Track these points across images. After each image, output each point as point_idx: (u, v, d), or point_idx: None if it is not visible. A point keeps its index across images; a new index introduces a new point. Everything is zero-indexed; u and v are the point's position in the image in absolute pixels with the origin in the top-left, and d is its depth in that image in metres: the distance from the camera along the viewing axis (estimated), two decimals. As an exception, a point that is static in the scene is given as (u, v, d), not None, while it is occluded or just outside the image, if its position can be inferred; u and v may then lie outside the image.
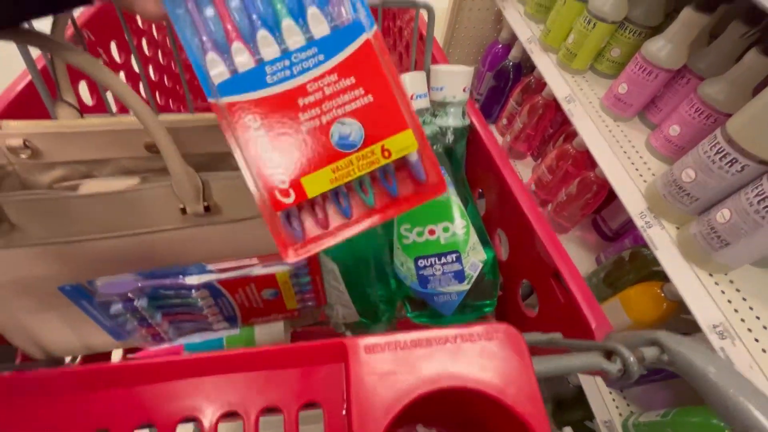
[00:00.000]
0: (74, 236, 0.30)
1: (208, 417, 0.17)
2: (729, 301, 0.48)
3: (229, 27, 0.20)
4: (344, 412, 0.18)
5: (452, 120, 0.41)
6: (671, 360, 0.23)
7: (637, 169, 0.60)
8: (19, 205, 0.27)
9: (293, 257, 0.21)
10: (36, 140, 0.33)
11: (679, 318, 0.60)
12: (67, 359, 0.43)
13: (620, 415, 0.68)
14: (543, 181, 0.90)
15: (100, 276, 0.33)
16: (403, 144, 0.20)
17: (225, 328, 0.40)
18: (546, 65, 0.77)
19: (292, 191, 0.20)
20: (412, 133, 0.21)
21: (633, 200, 0.57)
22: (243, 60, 0.20)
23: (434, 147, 0.38)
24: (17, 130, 0.32)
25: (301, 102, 0.20)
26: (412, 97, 0.36)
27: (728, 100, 0.51)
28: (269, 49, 0.20)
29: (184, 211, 0.30)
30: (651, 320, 0.63)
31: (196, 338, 0.40)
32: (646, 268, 0.68)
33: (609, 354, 0.24)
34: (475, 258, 0.37)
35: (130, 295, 0.34)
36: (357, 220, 0.21)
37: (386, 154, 0.21)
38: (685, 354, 0.22)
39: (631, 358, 0.22)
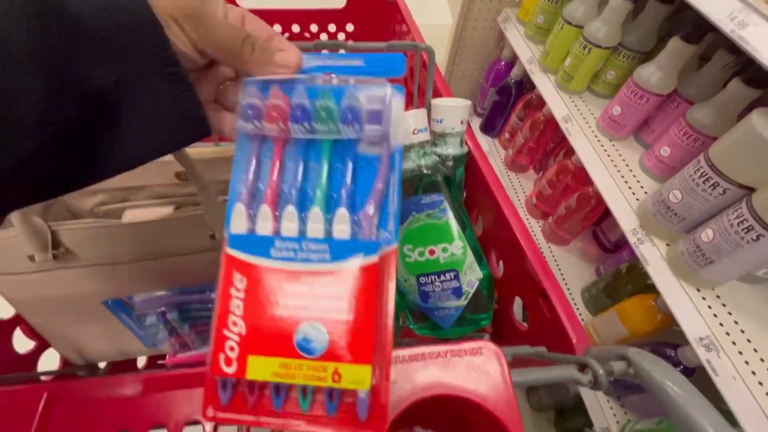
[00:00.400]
0: (119, 259, 0.34)
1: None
2: (715, 315, 0.51)
3: (268, 192, 0.22)
4: (353, 414, 0.22)
5: (451, 149, 0.45)
6: (636, 373, 0.26)
7: (630, 188, 0.63)
8: (74, 233, 0.32)
9: (210, 416, 0.20)
10: (83, 171, 0.38)
11: (672, 330, 0.62)
12: (101, 364, 0.47)
13: (617, 422, 0.70)
14: (544, 194, 0.94)
15: (138, 292, 0.37)
16: (357, 377, 0.20)
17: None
18: (545, 85, 0.80)
19: (235, 363, 0.20)
20: (370, 371, 0.20)
21: (626, 217, 0.60)
22: (263, 226, 0.22)
23: (434, 176, 0.42)
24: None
25: (288, 287, 0.20)
26: (414, 132, 0.40)
27: (715, 125, 0.54)
28: (289, 226, 0.21)
29: (213, 236, 0.34)
30: (645, 332, 0.66)
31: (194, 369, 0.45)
32: (641, 281, 0.71)
33: (583, 367, 0.27)
34: (471, 276, 0.41)
35: (163, 308, 0.38)
36: (284, 415, 0.21)
37: (336, 378, 0.20)
38: (647, 368, 0.25)
39: (601, 371, 0.26)
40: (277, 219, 0.22)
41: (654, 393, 0.25)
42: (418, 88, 0.48)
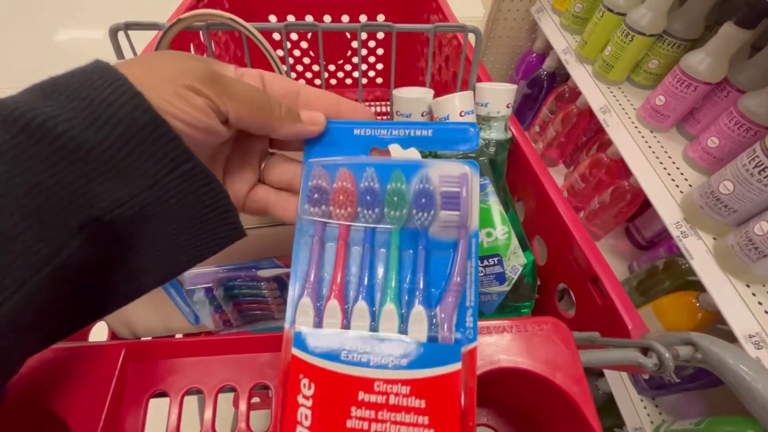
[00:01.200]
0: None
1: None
2: (766, 312, 0.49)
3: (335, 283, 0.20)
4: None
5: (495, 133, 0.44)
6: (704, 358, 0.25)
7: (673, 180, 0.61)
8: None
9: None
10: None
11: (714, 328, 0.60)
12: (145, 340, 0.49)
13: (651, 422, 0.68)
14: (575, 188, 0.91)
15: (187, 267, 0.38)
16: None
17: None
18: (581, 76, 0.78)
19: None
20: None
21: (668, 210, 0.58)
22: (331, 323, 0.20)
23: (479, 158, 0.41)
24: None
25: (361, 396, 0.18)
26: (461, 114, 0.40)
27: (769, 113, 0.52)
28: (360, 324, 0.20)
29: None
30: (685, 330, 0.64)
31: (260, 326, 0.45)
32: (680, 278, 0.68)
33: (645, 350, 0.26)
34: (515, 262, 0.40)
35: (210, 284, 0.39)
36: None
37: None
38: (717, 352, 0.24)
39: (667, 354, 0.25)
40: (345, 314, 0.20)
41: (725, 378, 0.24)
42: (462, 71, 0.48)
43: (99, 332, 0.44)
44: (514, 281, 0.41)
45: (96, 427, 0.19)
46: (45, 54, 1.58)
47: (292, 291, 0.20)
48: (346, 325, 0.20)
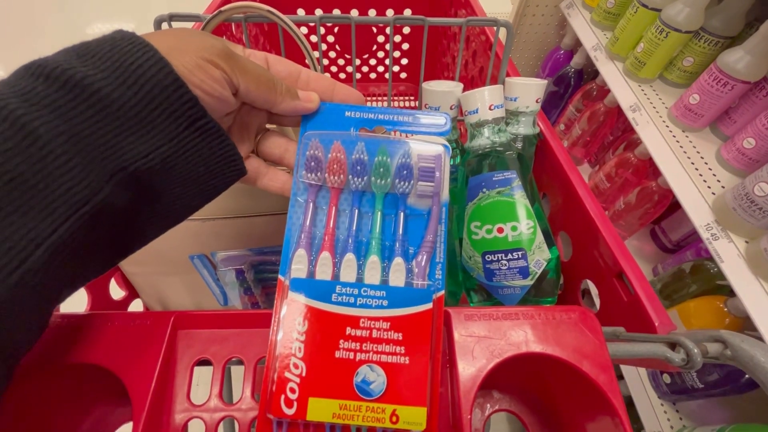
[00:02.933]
0: (208, 215, 0.37)
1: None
2: (799, 319, 0.47)
3: (326, 238, 0.24)
4: (447, 366, 0.23)
5: (523, 128, 0.44)
6: (734, 355, 0.25)
7: (705, 181, 0.60)
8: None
9: None
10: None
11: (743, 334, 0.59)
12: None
13: (672, 427, 0.67)
14: (600, 188, 0.90)
15: (221, 249, 0.40)
16: (413, 418, 0.21)
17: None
18: (611, 73, 0.77)
19: (295, 405, 0.20)
20: (425, 412, 0.20)
21: (699, 212, 0.57)
22: (324, 271, 0.23)
23: (507, 153, 0.41)
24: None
25: (348, 330, 0.22)
26: (490, 107, 0.40)
27: (811, 114, 0.50)
28: (348, 272, 0.23)
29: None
30: (711, 334, 0.63)
31: None
32: (708, 282, 0.67)
33: (673, 346, 0.27)
34: (540, 256, 0.41)
35: (242, 267, 0.41)
36: None
37: (394, 419, 0.21)
38: (747, 350, 0.24)
39: (695, 350, 0.25)
40: (335, 265, 0.23)
41: (756, 376, 0.24)
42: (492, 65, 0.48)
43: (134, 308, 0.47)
44: (537, 276, 0.41)
45: (149, 386, 0.20)
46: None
47: (287, 245, 0.23)
48: (336, 274, 0.23)
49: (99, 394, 0.25)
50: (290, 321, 0.22)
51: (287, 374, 0.21)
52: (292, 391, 0.21)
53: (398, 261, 0.23)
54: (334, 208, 0.24)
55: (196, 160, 0.21)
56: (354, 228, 0.24)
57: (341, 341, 0.21)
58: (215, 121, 0.20)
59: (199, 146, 0.20)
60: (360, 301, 0.22)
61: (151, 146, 0.19)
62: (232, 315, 0.23)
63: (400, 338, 0.21)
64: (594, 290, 0.42)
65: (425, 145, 0.25)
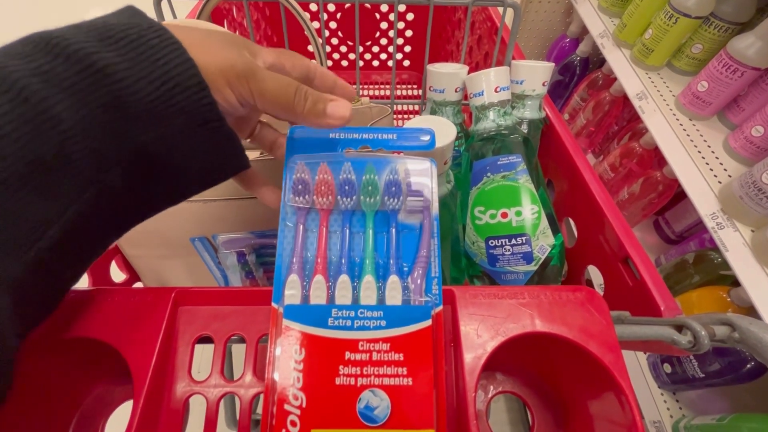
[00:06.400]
0: (209, 196, 0.36)
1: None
2: (804, 308, 0.47)
3: (319, 260, 0.23)
4: (452, 344, 0.23)
5: (529, 112, 0.44)
6: (742, 338, 0.25)
7: (711, 170, 0.59)
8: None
9: None
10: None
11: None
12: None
13: (671, 417, 0.68)
14: (604, 178, 0.89)
15: (222, 231, 0.40)
16: None
17: (312, 287, 0.46)
18: (618, 61, 0.76)
19: None
20: None
21: (704, 201, 0.56)
22: (318, 295, 0.22)
23: (512, 136, 0.41)
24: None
25: (347, 355, 0.21)
26: (496, 90, 0.39)
27: (823, 101, 0.49)
28: (343, 295, 0.22)
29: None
30: (713, 324, 0.62)
31: None
32: (711, 272, 0.66)
33: (679, 328, 0.26)
34: (544, 242, 0.40)
35: (243, 250, 0.41)
36: None
37: None
38: (756, 332, 0.24)
39: (703, 332, 0.24)
40: (329, 288, 0.23)
41: (765, 358, 0.24)
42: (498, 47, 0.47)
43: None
44: (541, 261, 0.41)
45: (149, 361, 0.20)
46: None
47: (278, 271, 0.23)
48: (331, 297, 0.22)
49: (100, 372, 0.25)
50: (287, 350, 0.21)
51: (287, 407, 0.20)
52: (293, 424, 0.20)
53: (393, 279, 0.23)
54: (324, 229, 0.24)
55: (202, 155, 0.21)
56: (346, 248, 0.23)
57: (341, 367, 0.21)
58: (228, 125, 0.21)
59: (208, 143, 0.21)
60: (357, 323, 0.21)
61: (161, 135, 0.19)
62: (234, 291, 0.23)
63: (402, 358, 0.21)
64: (598, 279, 0.42)
65: (412, 161, 0.25)
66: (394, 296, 0.22)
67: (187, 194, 0.23)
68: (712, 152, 0.61)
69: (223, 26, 0.65)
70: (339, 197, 0.24)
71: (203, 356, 0.27)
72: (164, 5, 0.39)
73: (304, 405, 0.20)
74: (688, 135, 0.63)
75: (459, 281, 0.47)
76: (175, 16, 0.40)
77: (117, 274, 0.44)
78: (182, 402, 0.21)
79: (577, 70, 1.00)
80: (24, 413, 0.21)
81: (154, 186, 0.21)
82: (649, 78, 0.72)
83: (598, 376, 0.22)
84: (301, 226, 0.24)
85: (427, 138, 0.25)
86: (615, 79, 0.80)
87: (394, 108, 0.48)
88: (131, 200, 0.21)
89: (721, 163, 0.60)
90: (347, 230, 0.24)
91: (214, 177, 0.23)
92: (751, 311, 0.51)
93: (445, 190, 0.37)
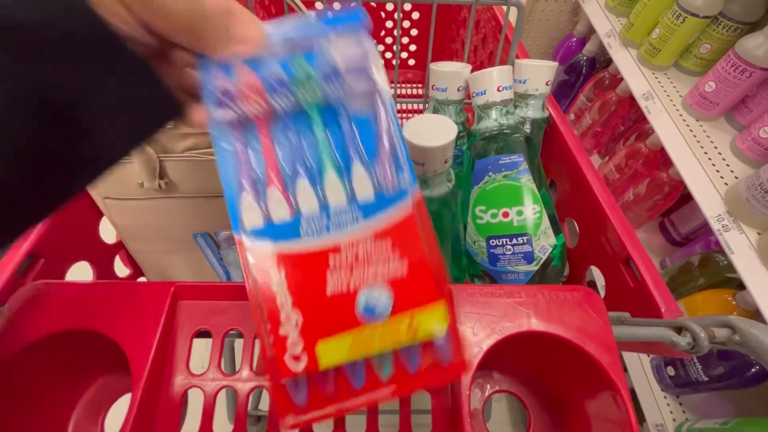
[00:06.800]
0: (211, 192, 0.37)
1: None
2: (810, 312, 0.46)
3: (270, 173, 0.20)
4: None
5: (532, 111, 0.43)
6: (743, 340, 0.24)
7: (717, 171, 0.58)
8: (178, 164, 0.35)
9: (290, 424, 0.19)
10: (179, 114, 0.40)
11: (751, 328, 0.58)
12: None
13: (674, 420, 0.67)
14: (609, 179, 0.89)
15: (224, 228, 0.40)
16: (433, 318, 0.19)
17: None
18: (625, 60, 0.75)
19: (304, 357, 0.18)
20: (444, 303, 0.19)
21: (710, 203, 0.56)
22: (279, 210, 0.20)
23: (514, 135, 0.40)
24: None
25: (331, 261, 0.19)
26: (498, 89, 0.39)
27: (832, 102, 0.48)
28: (308, 202, 0.20)
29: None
30: (718, 328, 0.62)
31: None
32: (717, 275, 0.66)
33: (679, 330, 0.26)
34: (545, 242, 0.40)
35: (245, 246, 0.41)
36: (365, 390, 0.19)
37: (412, 331, 0.19)
38: (757, 335, 0.24)
39: (702, 334, 0.24)
40: (291, 198, 0.20)
41: (766, 361, 0.24)
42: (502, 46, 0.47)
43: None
44: (542, 261, 0.40)
45: (148, 354, 0.20)
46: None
47: (230, 199, 0.20)
48: (295, 209, 0.20)
49: (100, 364, 0.25)
50: (264, 277, 0.19)
51: (283, 330, 0.18)
52: (295, 344, 0.18)
53: (358, 170, 0.20)
54: (266, 139, 0.20)
55: (121, 96, 0.18)
56: (298, 154, 0.20)
57: (328, 275, 0.19)
58: (133, 50, 0.18)
59: (122, 81, 0.18)
60: (333, 226, 0.19)
61: (70, 79, 0.17)
62: (232, 287, 0.23)
63: (389, 248, 0.19)
64: (600, 281, 0.42)
65: (344, 42, 0.20)
66: (364, 187, 0.20)
67: (121, 153, 0.20)
68: (719, 153, 0.60)
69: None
70: (272, 97, 0.20)
71: (206, 350, 0.27)
72: None
73: (300, 322, 0.18)
74: (694, 136, 0.63)
75: (460, 280, 0.47)
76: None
77: (121, 269, 0.44)
78: (180, 395, 0.21)
79: (584, 70, 0.99)
80: (25, 404, 0.22)
81: (80, 143, 0.18)
82: (656, 78, 0.71)
83: (594, 375, 0.22)
84: (239, 144, 0.20)
85: (360, 17, 0.21)
86: (621, 79, 0.80)
87: (397, 107, 0.48)
88: (60, 162, 0.18)
89: (727, 165, 0.59)
90: (293, 134, 0.20)
91: (145, 126, 0.20)
92: (756, 315, 0.51)
93: (446, 189, 0.37)
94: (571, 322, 0.22)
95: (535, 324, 0.22)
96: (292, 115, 0.20)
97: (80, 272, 0.38)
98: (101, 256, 0.40)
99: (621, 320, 0.30)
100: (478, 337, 0.22)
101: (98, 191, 0.36)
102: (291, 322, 0.18)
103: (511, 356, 0.26)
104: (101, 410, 0.25)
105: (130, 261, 0.44)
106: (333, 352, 0.19)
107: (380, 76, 0.20)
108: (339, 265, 0.19)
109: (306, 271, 0.19)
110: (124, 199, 0.36)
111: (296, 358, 0.18)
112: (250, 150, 0.20)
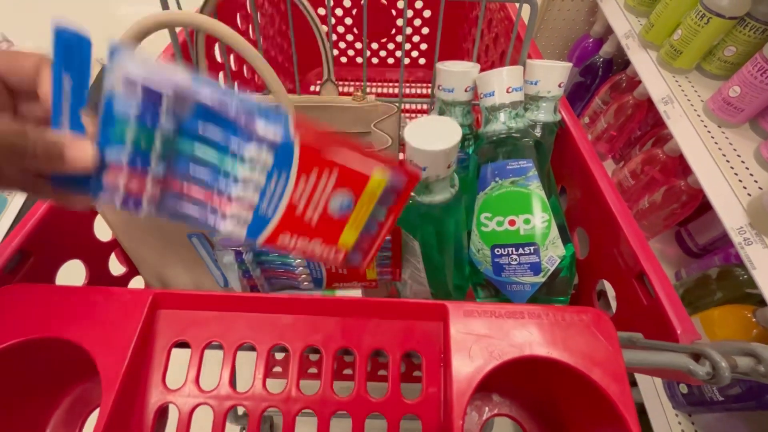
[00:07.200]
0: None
1: (329, 349, 0.21)
2: (839, 335, 0.43)
3: (205, 195, 0.21)
4: (441, 365, 0.21)
5: (543, 115, 0.41)
6: (768, 372, 0.22)
7: (740, 181, 0.55)
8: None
9: None
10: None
11: (772, 347, 0.55)
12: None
13: (685, 439, 0.64)
14: (624, 186, 0.85)
15: (219, 229, 0.39)
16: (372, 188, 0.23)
17: (310, 288, 0.45)
18: (644, 62, 0.72)
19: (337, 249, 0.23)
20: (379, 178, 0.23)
21: (731, 214, 0.53)
22: (241, 214, 0.22)
23: (524, 140, 0.38)
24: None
25: (298, 210, 0.22)
26: (508, 90, 0.37)
27: None
28: (246, 195, 0.21)
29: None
30: (736, 345, 0.59)
31: (285, 295, 0.46)
32: (736, 290, 0.62)
33: (697, 357, 0.24)
34: (553, 252, 0.38)
35: (240, 249, 0.40)
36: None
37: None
38: (785, 367, 0.22)
39: (723, 363, 0.22)
40: (241, 205, 0.22)
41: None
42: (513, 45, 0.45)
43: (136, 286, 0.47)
44: (549, 273, 0.38)
45: (121, 364, 0.19)
46: (107, 26, 1.66)
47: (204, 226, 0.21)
48: (250, 206, 0.22)
49: (78, 372, 0.24)
50: (283, 245, 0.22)
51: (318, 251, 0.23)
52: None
53: (242, 147, 0.20)
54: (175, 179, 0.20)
55: None
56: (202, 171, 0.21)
57: (305, 218, 0.22)
58: None
59: None
60: (276, 194, 0.22)
61: None
62: (214, 297, 0.22)
63: (318, 169, 0.22)
64: (611, 292, 0.39)
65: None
66: (264, 161, 0.21)
67: None
68: (742, 162, 0.57)
69: (236, 20, 0.65)
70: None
71: (210, 361, 0.25)
72: (170, -3, 0.39)
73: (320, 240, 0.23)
74: (716, 143, 0.60)
75: (462, 290, 0.45)
76: (179, 6, 0.39)
77: (117, 267, 0.44)
78: (154, 411, 0.20)
79: (600, 72, 0.96)
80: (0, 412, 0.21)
81: None
82: (676, 81, 0.68)
83: (601, 406, 0.20)
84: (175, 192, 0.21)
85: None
86: (639, 81, 0.76)
87: (403, 107, 0.46)
88: None
89: (751, 174, 0.56)
90: (184, 162, 0.20)
91: None
92: (777, 334, 0.48)
93: (449, 195, 0.35)
94: (577, 347, 0.20)
95: (538, 348, 0.20)
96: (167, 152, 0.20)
97: (73, 270, 0.37)
98: (95, 254, 0.39)
99: (632, 341, 0.28)
100: (475, 362, 0.20)
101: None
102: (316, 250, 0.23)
103: (512, 379, 0.24)
104: (78, 419, 0.24)
105: (125, 259, 0.44)
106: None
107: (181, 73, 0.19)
108: (304, 208, 0.22)
109: (297, 227, 0.22)
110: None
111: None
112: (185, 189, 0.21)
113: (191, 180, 0.21)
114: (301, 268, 0.41)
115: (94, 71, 0.20)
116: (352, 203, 0.23)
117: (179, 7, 0.39)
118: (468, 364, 0.20)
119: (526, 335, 0.21)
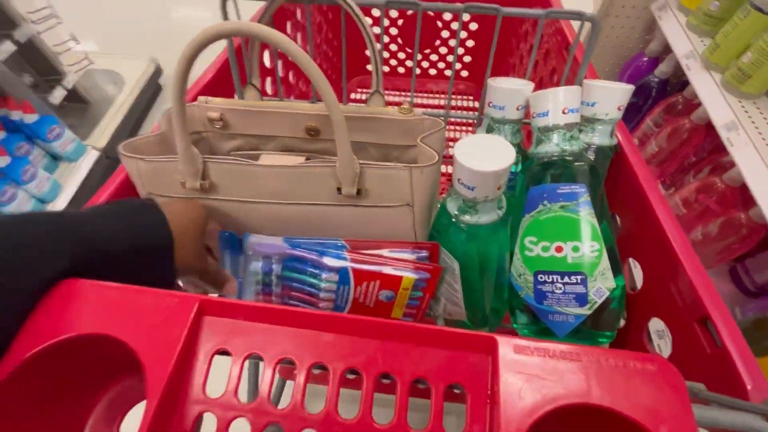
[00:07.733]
0: (249, 198, 0.36)
1: (370, 373, 0.20)
2: None
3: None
4: (488, 402, 0.20)
5: (599, 138, 0.39)
6: None
7: (814, 219, 0.50)
8: (221, 166, 0.34)
9: None
10: (228, 114, 0.40)
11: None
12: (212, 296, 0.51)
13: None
14: (675, 214, 0.80)
15: (254, 231, 0.39)
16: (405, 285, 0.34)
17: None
18: (706, 84, 0.68)
19: None
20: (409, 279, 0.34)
21: (803, 255, 0.48)
22: (328, 307, 0.35)
23: (577, 163, 0.37)
24: (218, 105, 0.40)
25: (360, 301, 0.35)
26: (563, 111, 0.36)
27: None
28: (329, 297, 0.35)
29: (339, 190, 0.34)
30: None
31: (328, 312, 0.44)
32: (801, 337, 0.57)
33: (772, 420, 0.21)
34: (602, 284, 0.36)
35: (272, 258, 0.39)
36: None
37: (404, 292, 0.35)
38: None
39: (808, 433, 0.20)
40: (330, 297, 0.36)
41: None
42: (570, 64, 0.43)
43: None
44: (597, 306, 0.36)
45: (167, 367, 0.19)
46: (161, 27, 1.76)
47: None
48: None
49: (119, 368, 0.25)
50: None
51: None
52: None
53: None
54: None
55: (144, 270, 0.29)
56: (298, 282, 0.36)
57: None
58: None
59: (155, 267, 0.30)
60: (343, 294, 0.36)
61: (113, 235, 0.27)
62: (259, 308, 0.22)
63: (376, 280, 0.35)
64: (655, 326, 0.36)
65: None
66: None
67: None
68: (817, 199, 0.52)
69: (286, 29, 0.66)
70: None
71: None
72: (229, 5, 0.40)
73: None
74: (786, 176, 0.55)
75: (500, 313, 0.43)
76: (239, 17, 0.40)
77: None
78: (192, 418, 0.20)
79: (653, 93, 0.91)
80: (39, 408, 0.21)
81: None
82: (743, 107, 0.63)
83: (665, 468, 0.18)
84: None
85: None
86: (698, 104, 0.72)
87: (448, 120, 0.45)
88: None
89: (827, 213, 0.51)
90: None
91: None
92: None
93: (495, 217, 0.34)
94: (640, 398, 0.19)
95: (596, 396, 0.19)
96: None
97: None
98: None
99: (694, 392, 0.26)
100: (526, 403, 0.19)
101: (143, 185, 0.36)
102: None
103: (563, 424, 0.23)
104: (118, 415, 0.25)
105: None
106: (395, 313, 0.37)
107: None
108: (363, 300, 0.36)
109: (359, 311, 0.34)
110: (164, 196, 0.36)
111: None
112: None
113: (296, 290, 0.36)
114: (326, 293, 0.38)
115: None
116: (395, 294, 0.35)
117: (238, 17, 0.41)
118: (517, 406, 0.19)
119: (583, 380, 0.19)
